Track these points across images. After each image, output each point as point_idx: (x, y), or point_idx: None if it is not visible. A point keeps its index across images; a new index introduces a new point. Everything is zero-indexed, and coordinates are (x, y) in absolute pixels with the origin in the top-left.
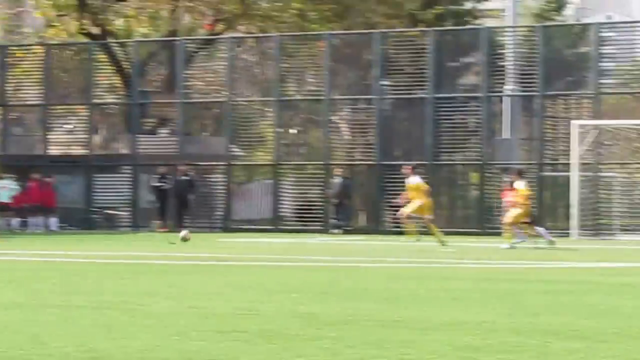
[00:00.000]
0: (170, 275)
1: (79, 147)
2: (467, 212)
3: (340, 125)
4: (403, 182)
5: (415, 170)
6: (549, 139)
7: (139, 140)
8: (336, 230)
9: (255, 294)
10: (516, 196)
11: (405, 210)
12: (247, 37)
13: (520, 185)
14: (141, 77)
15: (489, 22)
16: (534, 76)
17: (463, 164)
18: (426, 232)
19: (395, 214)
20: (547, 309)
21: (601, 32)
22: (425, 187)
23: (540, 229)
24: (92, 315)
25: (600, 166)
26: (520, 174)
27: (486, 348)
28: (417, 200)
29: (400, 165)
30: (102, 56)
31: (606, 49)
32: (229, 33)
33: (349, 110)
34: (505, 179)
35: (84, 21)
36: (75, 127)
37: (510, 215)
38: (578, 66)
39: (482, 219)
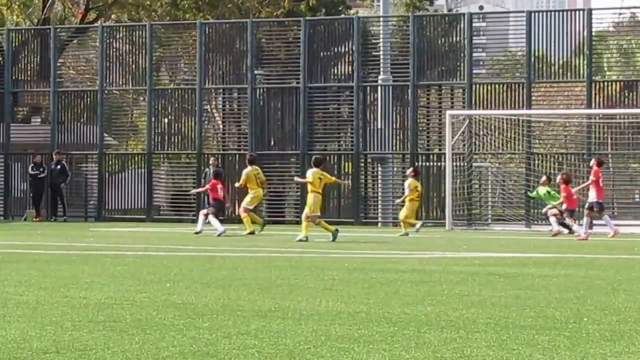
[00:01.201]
0: (44, 264)
1: None
2: (341, 202)
3: (213, 114)
4: (277, 172)
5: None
6: (423, 128)
7: (12, 129)
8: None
9: (129, 284)
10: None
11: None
12: (120, 26)
13: (309, 173)
14: (13, 65)
15: (361, 12)
16: (407, 66)
17: (337, 154)
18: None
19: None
20: (421, 299)
21: (473, 22)
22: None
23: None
24: None
25: (473, 156)
26: (318, 164)
27: (361, 338)
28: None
29: (274, 154)
30: None
31: (478, 39)
32: (101, 22)
33: (223, 99)
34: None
35: None
36: None
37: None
38: (451, 56)
39: (356, 209)
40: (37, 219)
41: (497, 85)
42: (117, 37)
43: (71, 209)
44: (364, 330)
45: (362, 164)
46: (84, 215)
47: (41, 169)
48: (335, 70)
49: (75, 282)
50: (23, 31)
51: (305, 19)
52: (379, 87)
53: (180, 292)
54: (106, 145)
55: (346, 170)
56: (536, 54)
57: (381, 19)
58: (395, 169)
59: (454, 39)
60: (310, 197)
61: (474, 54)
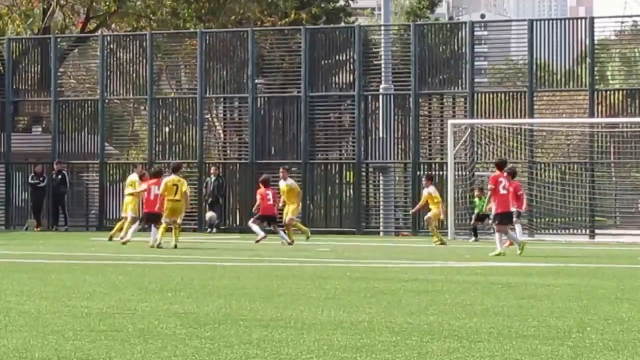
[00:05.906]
0: (45, 274)
1: None
2: (342, 211)
3: (214, 123)
4: (277, 181)
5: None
6: (424, 137)
7: (12, 138)
8: (210, 229)
9: (131, 293)
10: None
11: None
12: (120, 35)
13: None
14: (14, 74)
15: (362, 20)
16: (408, 74)
17: (338, 163)
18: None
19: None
20: (423, 309)
21: (475, 30)
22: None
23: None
24: None
25: (475, 165)
26: (176, 170)
27: (363, 348)
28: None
29: (275, 163)
30: None
31: (480, 48)
32: (101, 31)
33: (224, 108)
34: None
35: None
36: None
37: None
38: (452, 65)
39: (357, 218)
40: (39, 229)
41: (499, 94)
42: (118, 46)
43: (72, 219)
44: (367, 339)
45: (364, 173)
46: (85, 224)
47: (41, 179)
48: (337, 79)
49: (77, 291)
50: (24, 40)
51: (306, 28)
52: (380, 96)
53: (182, 302)
54: (107, 155)
55: (348, 179)
56: (538, 62)
57: (382, 27)
58: (397, 178)
59: (456, 47)
60: None
61: (475, 63)
